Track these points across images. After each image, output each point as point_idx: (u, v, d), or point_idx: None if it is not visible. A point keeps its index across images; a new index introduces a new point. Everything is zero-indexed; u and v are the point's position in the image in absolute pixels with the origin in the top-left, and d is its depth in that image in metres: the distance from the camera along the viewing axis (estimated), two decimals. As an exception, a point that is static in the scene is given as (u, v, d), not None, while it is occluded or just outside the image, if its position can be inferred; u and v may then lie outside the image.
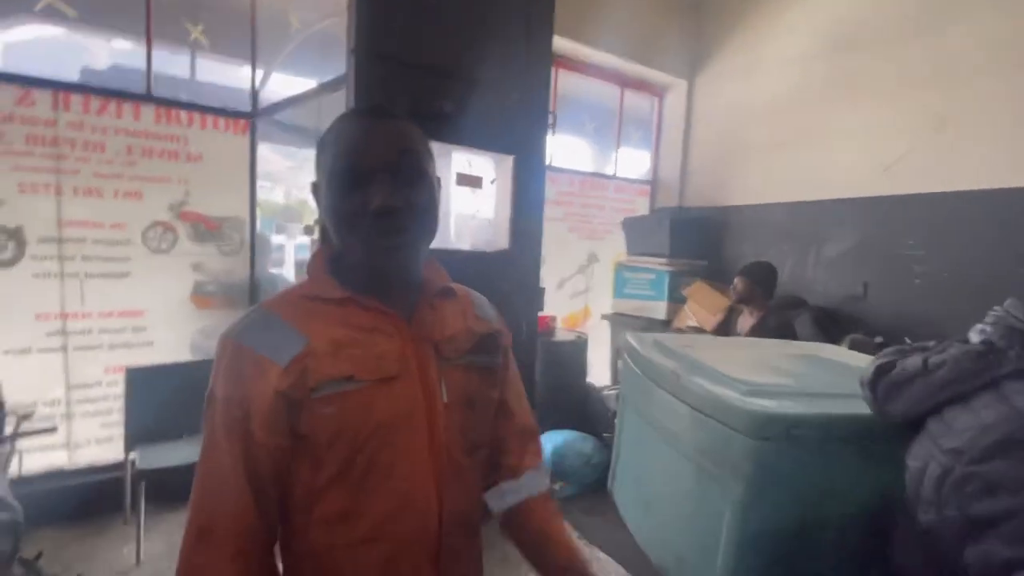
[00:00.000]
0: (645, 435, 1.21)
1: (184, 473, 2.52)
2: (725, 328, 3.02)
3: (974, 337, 0.87)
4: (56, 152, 2.56)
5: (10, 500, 1.80)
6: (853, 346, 2.66)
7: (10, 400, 2.21)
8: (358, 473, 0.65)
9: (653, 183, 4.77)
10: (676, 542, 1.00)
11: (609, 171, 4.55)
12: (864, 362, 1.29)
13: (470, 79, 2.52)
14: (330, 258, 0.75)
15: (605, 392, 3.62)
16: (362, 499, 0.66)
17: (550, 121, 3.08)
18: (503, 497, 0.84)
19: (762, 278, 2.81)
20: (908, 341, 2.97)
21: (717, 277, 3.97)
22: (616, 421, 1.34)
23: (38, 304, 2.58)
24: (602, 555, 2.58)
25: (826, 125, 3.47)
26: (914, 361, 0.87)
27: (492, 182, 2.84)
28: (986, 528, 0.72)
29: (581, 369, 3.68)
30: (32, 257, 2.55)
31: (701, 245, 4.00)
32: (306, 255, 5.19)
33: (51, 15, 2.75)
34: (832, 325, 3.15)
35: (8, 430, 2.08)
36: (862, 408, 0.90)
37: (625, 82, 4.43)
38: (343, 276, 0.72)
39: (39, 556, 2.05)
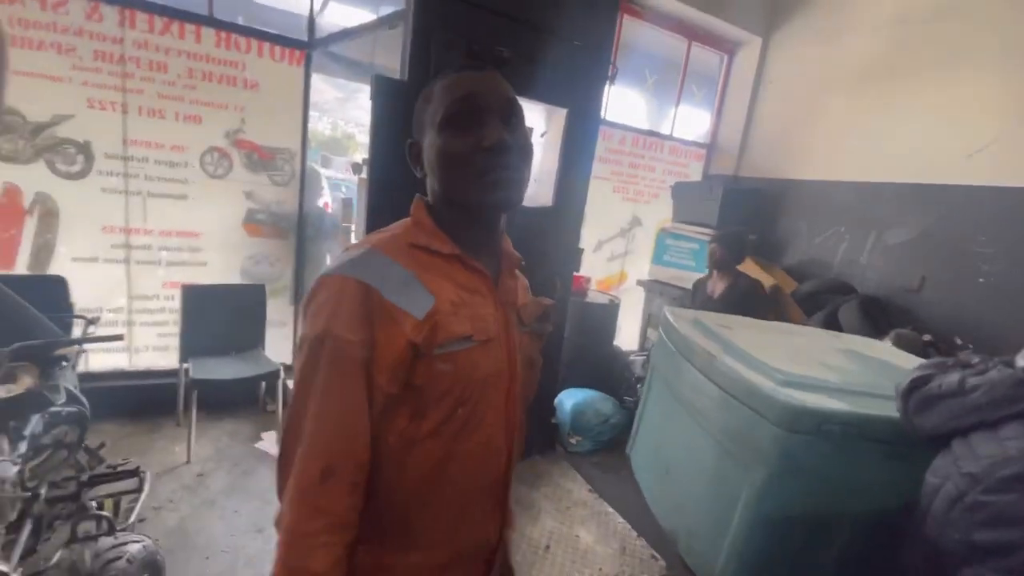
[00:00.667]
0: (671, 408, 1.22)
1: (230, 386, 2.71)
2: (700, 297, 3.13)
3: (1020, 362, 0.84)
4: (122, 70, 2.63)
5: (78, 395, 2.00)
6: (898, 340, 2.56)
7: (78, 304, 2.40)
8: (457, 425, 0.70)
9: (710, 147, 4.54)
10: (689, 513, 1.04)
11: (665, 130, 4.35)
12: (909, 363, 1.25)
13: (531, 24, 2.41)
14: (428, 206, 0.76)
15: (631, 358, 3.63)
16: (456, 446, 0.70)
17: (610, 73, 2.93)
18: None
19: (738, 247, 2.95)
20: (959, 342, 2.84)
21: (765, 254, 3.83)
22: (643, 389, 1.36)
23: (104, 217, 2.74)
24: (610, 509, 2.69)
25: (910, 101, 3.18)
26: (952, 379, 0.85)
27: (542, 135, 2.77)
28: (985, 556, 0.72)
29: (610, 333, 3.69)
30: (99, 172, 2.68)
31: (753, 218, 3.83)
32: (343, 192, 5.25)
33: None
34: (880, 316, 3.03)
35: (77, 332, 2.28)
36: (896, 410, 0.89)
37: (693, 34, 4.14)
38: (444, 230, 0.74)
39: (101, 446, 2.28)
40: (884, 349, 1.33)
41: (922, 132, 3.12)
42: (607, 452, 3.21)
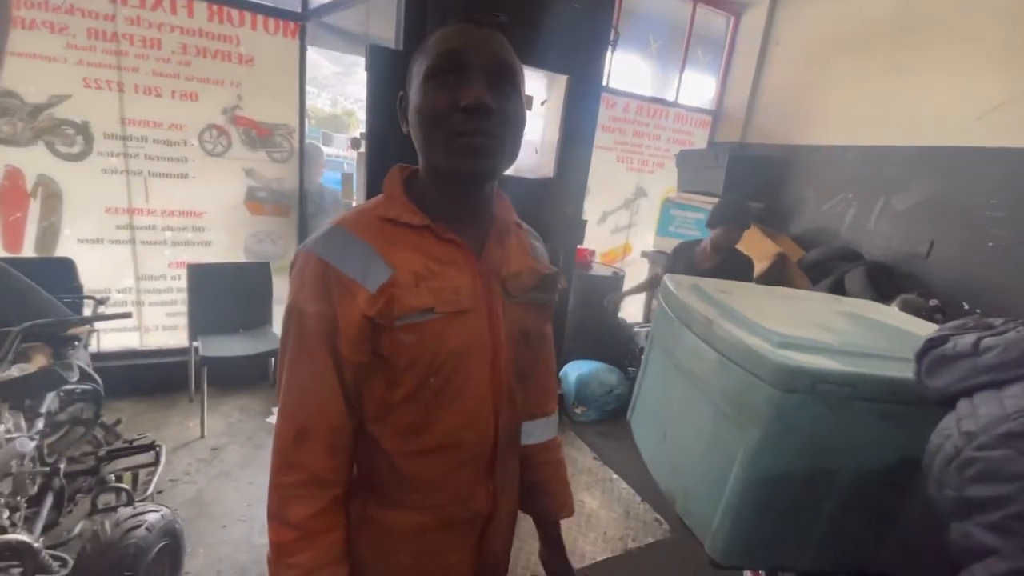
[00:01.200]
0: (670, 374, 1.23)
1: (240, 363, 2.76)
2: (683, 265, 2.88)
3: None
4: (116, 48, 2.60)
5: (92, 372, 2.04)
6: (904, 306, 2.55)
7: (87, 285, 2.44)
8: (430, 394, 0.70)
9: (716, 113, 4.44)
10: (686, 474, 1.06)
11: (670, 97, 4.25)
12: (911, 324, 1.24)
13: (529, -12, 2.34)
14: (405, 179, 0.75)
15: (636, 329, 3.65)
16: (431, 414, 0.71)
17: (612, 38, 2.85)
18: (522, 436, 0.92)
19: (742, 224, 2.71)
20: (966, 307, 2.81)
21: (772, 222, 3.79)
22: (643, 357, 1.37)
23: (107, 198, 2.76)
24: (615, 476, 2.74)
25: (920, 61, 3.08)
26: (967, 340, 0.83)
27: (543, 104, 2.72)
28: (973, 510, 0.73)
29: (614, 305, 3.69)
30: (99, 153, 2.68)
31: (759, 186, 3.78)
32: (344, 169, 5.21)
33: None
34: (886, 283, 3.00)
35: (87, 312, 2.31)
36: (893, 370, 0.89)
37: (699, -4, 4.01)
38: (418, 200, 0.72)
39: (118, 422, 2.35)
40: (887, 312, 1.32)
41: (931, 93, 3.03)
42: (611, 421, 3.25)
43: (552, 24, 2.43)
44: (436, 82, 0.65)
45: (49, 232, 2.68)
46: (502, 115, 0.66)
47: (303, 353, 0.68)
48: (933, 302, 2.72)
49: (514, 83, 0.68)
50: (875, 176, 3.31)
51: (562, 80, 2.60)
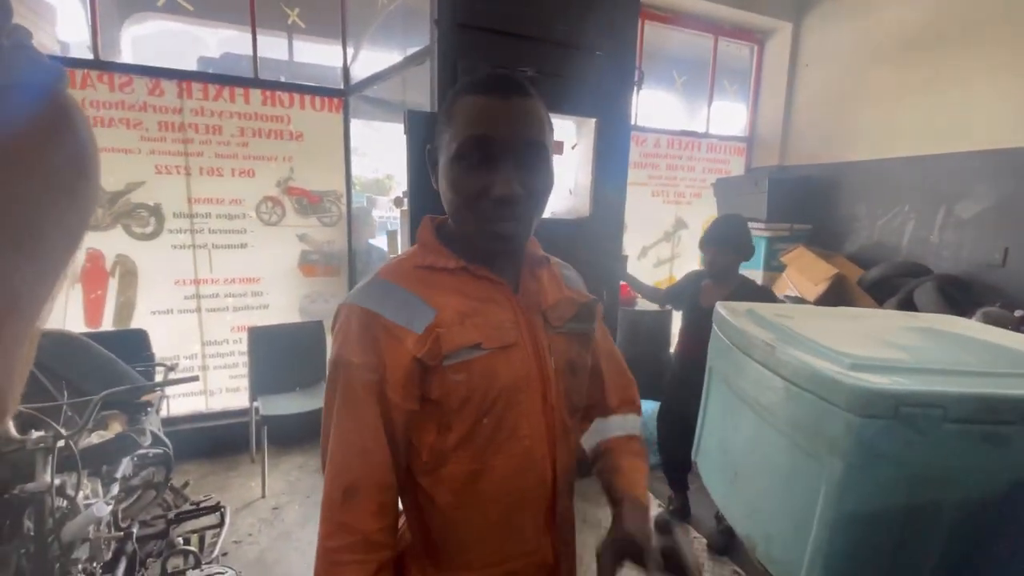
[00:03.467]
0: (733, 406, 1.16)
1: (298, 420, 2.82)
2: (688, 303, 2.43)
3: None
4: (183, 137, 2.88)
5: (163, 437, 2.14)
6: (986, 320, 2.34)
7: (158, 353, 2.60)
8: (485, 434, 0.69)
9: (750, 140, 4.40)
10: (765, 516, 0.97)
11: (700, 129, 4.26)
12: (999, 337, 1.13)
13: (553, 41, 2.45)
14: (436, 227, 0.77)
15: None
16: (488, 458, 0.69)
17: (636, 79, 2.92)
18: (592, 435, 0.89)
19: (737, 244, 2.22)
20: (1060, 315, 2.55)
21: (823, 243, 3.63)
22: (704, 390, 1.30)
23: (176, 271, 2.98)
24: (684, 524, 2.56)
25: (963, 65, 2.97)
26: None
27: (573, 147, 2.79)
28: None
29: (664, 340, 3.58)
30: (169, 231, 2.92)
31: (805, 207, 3.66)
32: (388, 226, 5.44)
33: (171, 9, 3.06)
34: (961, 296, 2.79)
35: (158, 378, 2.45)
36: (986, 387, 0.80)
37: (719, 29, 4.07)
38: (451, 245, 0.73)
39: (186, 485, 2.43)
40: (967, 325, 1.21)
41: (979, 97, 2.90)
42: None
43: (578, 73, 2.52)
44: (465, 164, 0.66)
45: (125, 306, 2.91)
46: (530, 195, 0.67)
47: (349, 407, 0.67)
48: (1019, 313, 2.49)
49: (543, 156, 0.69)
50: (931, 186, 3.15)
51: (591, 123, 2.66)
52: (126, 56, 3.15)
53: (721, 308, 1.21)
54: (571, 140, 2.79)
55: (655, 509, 2.59)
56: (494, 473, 0.70)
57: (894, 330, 1.11)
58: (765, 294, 2.38)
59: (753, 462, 1.04)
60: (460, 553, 0.73)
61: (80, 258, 2.79)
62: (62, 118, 0.30)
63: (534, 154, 0.67)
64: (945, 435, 0.76)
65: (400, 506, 0.74)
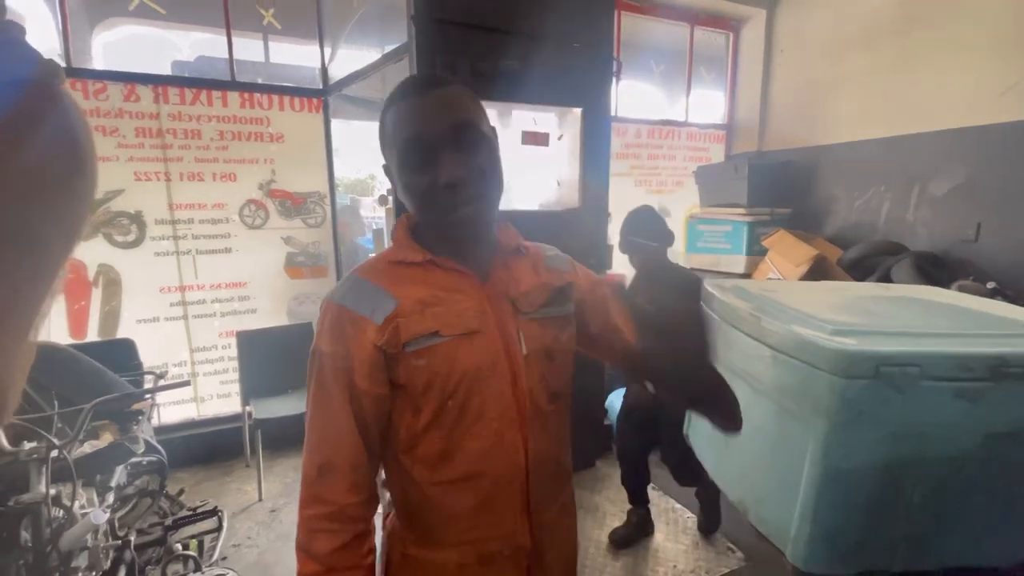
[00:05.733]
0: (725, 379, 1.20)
1: (292, 422, 2.82)
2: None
3: None
4: (162, 142, 2.84)
5: (156, 445, 2.13)
6: (962, 292, 2.42)
7: (146, 362, 2.57)
8: (452, 417, 0.73)
9: (729, 127, 4.46)
10: (755, 481, 1.00)
11: (680, 118, 4.31)
12: (970, 302, 1.18)
13: (530, 34, 2.47)
14: (410, 225, 0.81)
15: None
16: (456, 439, 0.73)
17: (614, 69, 2.95)
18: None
19: (634, 232, 2.15)
20: (1031, 284, 2.64)
21: (803, 226, 3.71)
22: None
23: (161, 279, 2.94)
24: (677, 505, 2.62)
25: (933, 46, 3.05)
26: None
27: (560, 139, 2.81)
28: None
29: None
30: (152, 238, 2.89)
31: (785, 192, 3.72)
32: (374, 226, 5.42)
33: (142, 13, 3.01)
34: (937, 272, 2.87)
35: (147, 387, 2.43)
36: (962, 347, 0.84)
37: (695, 18, 4.12)
38: (424, 240, 0.78)
39: (181, 492, 2.41)
40: (938, 292, 1.26)
41: (948, 77, 2.98)
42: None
43: (557, 64, 2.54)
44: (411, 167, 0.71)
45: (110, 316, 2.87)
46: (478, 171, 0.70)
47: (322, 392, 0.73)
48: (991, 285, 2.58)
49: (477, 133, 0.71)
50: (905, 166, 3.23)
51: (574, 113, 2.68)
52: (98, 62, 3.10)
53: (708, 285, 1.24)
54: (555, 132, 2.81)
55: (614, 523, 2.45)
56: (463, 454, 0.73)
57: (871, 299, 1.15)
58: (682, 274, 2.29)
59: (743, 430, 1.07)
60: (437, 529, 0.76)
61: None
62: (57, 113, 0.30)
63: (468, 136, 0.70)
64: (922, 392, 0.80)
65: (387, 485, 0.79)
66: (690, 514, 2.54)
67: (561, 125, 2.80)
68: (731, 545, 2.32)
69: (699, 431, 1.27)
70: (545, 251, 0.89)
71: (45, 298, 0.30)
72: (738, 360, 1.07)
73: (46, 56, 0.30)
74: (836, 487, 0.84)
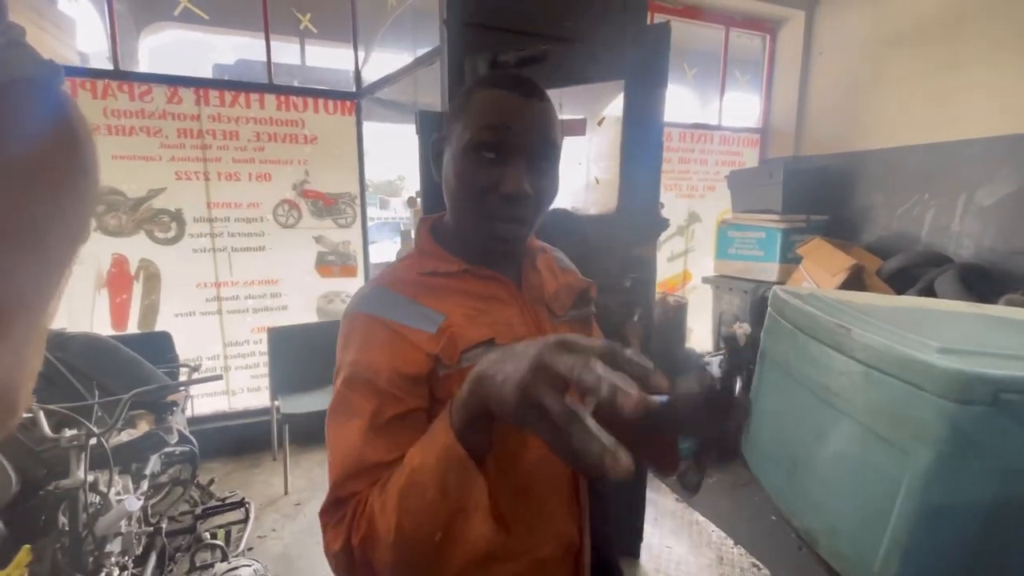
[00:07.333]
0: (793, 394, 1.10)
1: (318, 418, 2.85)
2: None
3: None
4: (202, 143, 2.94)
5: (188, 435, 2.20)
6: (1011, 306, 2.29)
7: (181, 355, 2.66)
8: (506, 426, 0.69)
9: (763, 131, 4.35)
10: (831, 509, 0.91)
11: (712, 121, 4.22)
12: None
13: (562, 37, 2.45)
14: (433, 227, 0.77)
15: (706, 359, 3.48)
16: (511, 448, 0.69)
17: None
18: None
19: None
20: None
21: (840, 234, 3.58)
22: (754, 378, 1.26)
23: (197, 274, 3.05)
24: (701, 518, 2.56)
25: (982, 47, 2.91)
26: None
27: (600, 123, 2.72)
28: None
29: (680, 335, 3.56)
30: (190, 235, 2.99)
31: (821, 198, 3.60)
32: (402, 227, 5.48)
33: (187, 18, 3.12)
34: (983, 284, 2.73)
35: (182, 379, 2.51)
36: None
37: (730, 20, 4.03)
38: (450, 245, 0.73)
39: (211, 482, 2.48)
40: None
41: (998, 81, 2.83)
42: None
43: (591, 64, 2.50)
44: (476, 157, 0.65)
45: (150, 309, 2.98)
46: (537, 197, 0.67)
47: (346, 406, 0.65)
48: (1045, 300, 2.43)
49: (553, 159, 0.69)
50: (951, 173, 3.09)
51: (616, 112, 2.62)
52: (144, 65, 3.23)
53: (781, 292, 1.16)
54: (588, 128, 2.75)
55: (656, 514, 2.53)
56: (520, 465, 0.71)
57: (966, 316, 1.04)
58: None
59: (817, 452, 0.96)
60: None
61: (106, 263, 2.87)
62: (59, 115, 0.30)
63: (547, 154, 0.67)
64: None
65: None
66: (714, 527, 2.48)
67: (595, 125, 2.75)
68: (756, 561, 2.26)
69: (759, 448, 1.19)
70: (551, 251, 0.87)
71: (51, 299, 0.29)
72: (816, 375, 0.98)
73: (93, 61, 0.31)
74: (935, 526, 0.74)
